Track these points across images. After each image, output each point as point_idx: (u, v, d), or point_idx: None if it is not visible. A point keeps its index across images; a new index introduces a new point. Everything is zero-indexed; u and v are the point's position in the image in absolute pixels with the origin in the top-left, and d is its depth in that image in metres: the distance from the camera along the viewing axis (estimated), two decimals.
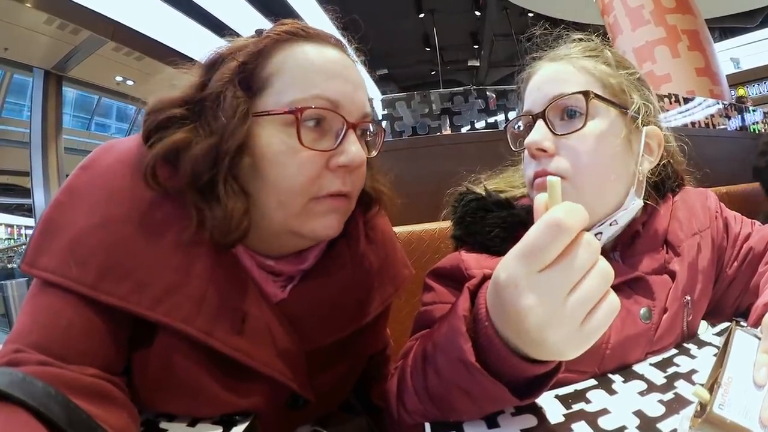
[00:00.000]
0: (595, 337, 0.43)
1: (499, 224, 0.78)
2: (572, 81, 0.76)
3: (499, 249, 0.77)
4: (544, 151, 0.72)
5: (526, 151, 0.76)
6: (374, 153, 0.74)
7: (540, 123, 0.74)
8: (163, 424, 0.63)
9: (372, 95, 0.78)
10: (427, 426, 0.59)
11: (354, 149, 0.65)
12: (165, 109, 0.63)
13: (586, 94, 0.72)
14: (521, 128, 0.82)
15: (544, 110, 0.74)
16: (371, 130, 0.74)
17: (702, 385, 0.51)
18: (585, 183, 0.72)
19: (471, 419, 0.58)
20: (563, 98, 0.74)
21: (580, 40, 0.85)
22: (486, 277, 0.55)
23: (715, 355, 0.63)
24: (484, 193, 0.83)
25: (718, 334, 0.77)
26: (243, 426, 0.64)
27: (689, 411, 0.52)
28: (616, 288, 0.73)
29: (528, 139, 0.74)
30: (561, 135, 0.73)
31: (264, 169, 0.62)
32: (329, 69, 0.66)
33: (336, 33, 0.74)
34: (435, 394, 0.58)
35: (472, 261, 0.77)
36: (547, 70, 0.79)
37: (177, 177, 0.60)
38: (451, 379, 0.54)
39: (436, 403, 0.58)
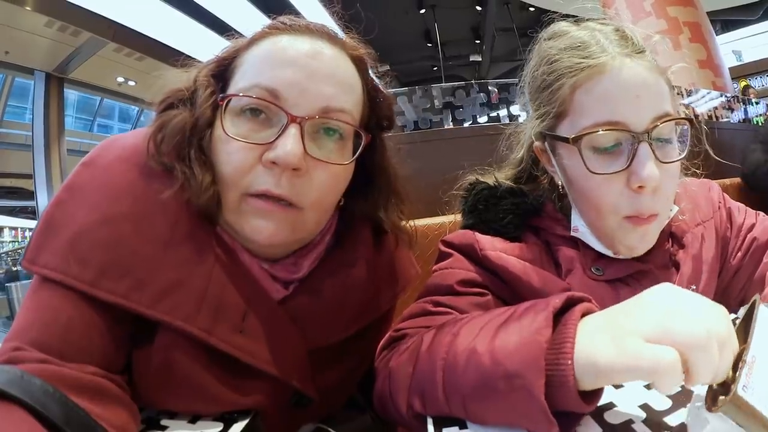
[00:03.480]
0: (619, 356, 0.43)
1: (512, 210, 0.77)
2: (666, 95, 0.68)
3: (512, 234, 0.76)
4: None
5: (610, 176, 0.67)
6: (348, 161, 0.67)
7: (647, 150, 0.64)
8: (164, 421, 0.63)
9: None
10: (429, 421, 0.58)
11: (287, 146, 0.59)
12: (170, 97, 0.67)
13: (690, 121, 0.69)
14: (605, 142, 0.67)
15: (650, 133, 0.65)
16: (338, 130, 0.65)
17: None
18: (666, 213, 0.72)
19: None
20: (670, 121, 0.66)
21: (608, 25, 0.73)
22: (572, 300, 0.52)
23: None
24: (494, 182, 0.81)
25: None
26: (243, 423, 0.64)
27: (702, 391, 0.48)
28: (624, 281, 0.74)
29: (647, 174, 0.64)
30: (664, 163, 0.66)
31: (212, 156, 0.64)
32: (283, 57, 0.63)
33: (338, 30, 0.72)
34: (472, 404, 0.53)
35: (487, 242, 0.76)
36: (637, 70, 0.66)
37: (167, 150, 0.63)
38: (503, 400, 0.50)
39: (469, 409, 0.54)
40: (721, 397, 0.43)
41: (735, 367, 0.44)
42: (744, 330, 0.49)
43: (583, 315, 0.50)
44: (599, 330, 0.47)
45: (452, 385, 0.55)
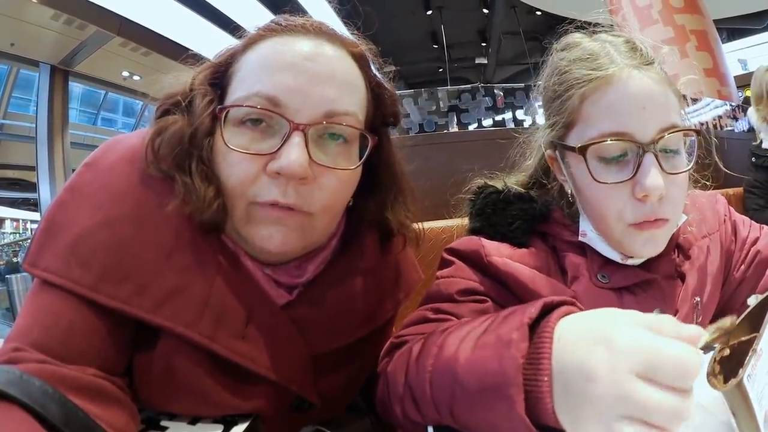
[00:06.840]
0: None
1: (520, 216, 0.77)
2: (673, 107, 0.68)
3: (520, 240, 0.77)
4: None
5: (616, 185, 0.67)
6: (355, 165, 0.65)
7: (652, 160, 0.65)
8: (164, 422, 0.63)
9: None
10: (430, 429, 0.58)
11: (292, 155, 0.57)
12: (164, 104, 0.66)
13: (698, 132, 0.69)
14: (612, 152, 0.68)
15: (655, 143, 0.65)
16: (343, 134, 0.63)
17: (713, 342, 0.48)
18: (676, 219, 0.72)
19: None
20: (676, 132, 0.66)
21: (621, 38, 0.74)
22: (549, 307, 0.50)
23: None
24: (502, 187, 0.81)
25: None
26: (243, 425, 0.64)
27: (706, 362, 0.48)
28: (630, 289, 0.74)
29: (650, 184, 0.64)
30: (671, 174, 0.67)
31: (214, 166, 0.63)
32: (280, 62, 0.61)
33: (343, 29, 0.70)
34: (462, 417, 0.53)
35: (493, 248, 0.75)
36: (644, 82, 0.67)
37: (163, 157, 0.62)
38: (487, 414, 0.49)
39: (460, 422, 0.54)
40: (731, 380, 0.44)
41: (746, 350, 0.45)
42: (757, 319, 0.49)
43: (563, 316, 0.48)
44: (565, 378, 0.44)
45: (440, 399, 0.55)
